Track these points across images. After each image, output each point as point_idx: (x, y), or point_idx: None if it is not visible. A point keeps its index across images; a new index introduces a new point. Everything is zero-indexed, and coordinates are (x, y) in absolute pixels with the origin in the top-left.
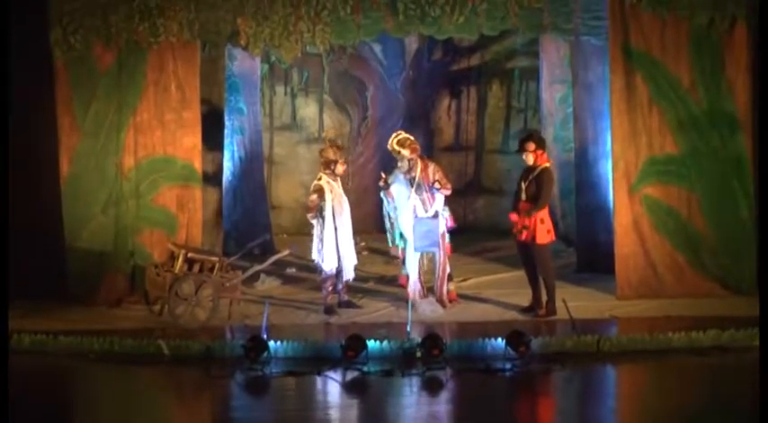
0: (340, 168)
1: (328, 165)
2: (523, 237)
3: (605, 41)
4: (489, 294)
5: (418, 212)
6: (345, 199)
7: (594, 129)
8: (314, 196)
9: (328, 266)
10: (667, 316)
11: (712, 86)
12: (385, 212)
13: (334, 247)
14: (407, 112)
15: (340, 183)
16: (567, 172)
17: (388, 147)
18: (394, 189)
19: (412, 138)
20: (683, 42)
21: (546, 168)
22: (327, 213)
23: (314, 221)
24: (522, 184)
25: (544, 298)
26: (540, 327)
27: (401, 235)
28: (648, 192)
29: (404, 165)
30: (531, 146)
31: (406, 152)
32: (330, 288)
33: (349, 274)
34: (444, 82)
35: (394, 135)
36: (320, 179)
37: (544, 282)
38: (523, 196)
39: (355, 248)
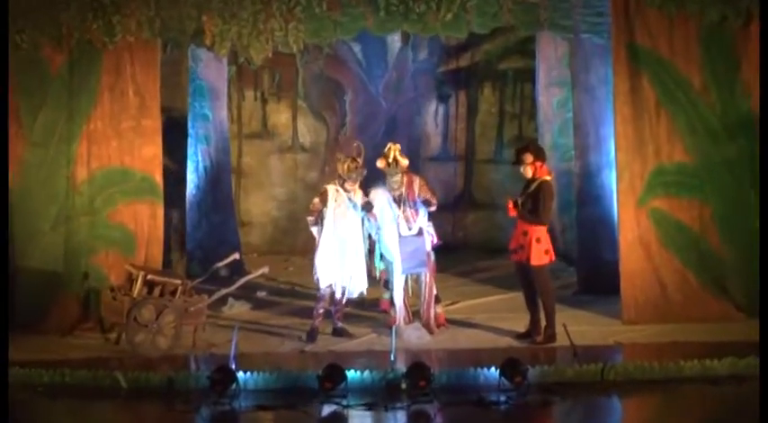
0: (348, 186)
1: (339, 176)
2: (519, 257)
3: (608, 40)
4: (481, 319)
5: (402, 231)
6: (354, 214)
7: (596, 136)
8: (316, 200)
9: (323, 282)
10: (678, 342)
11: (726, 88)
12: (364, 233)
13: (331, 262)
14: (390, 119)
15: (356, 195)
16: (566, 183)
17: (383, 161)
18: (376, 207)
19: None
20: (693, 40)
21: (545, 181)
22: (327, 222)
23: (314, 229)
24: (519, 199)
25: (543, 323)
26: (538, 354)
27: (381, 256)
28: (656, 205)
29: (398, 180)
30: (529, 157)
31: (404, 162)
32: (321, 310)
33: (340, 294)
34: (431, 85)
35: (391, 146)
36: (329, 184)
37: (543, 305)
38: (523, 215)
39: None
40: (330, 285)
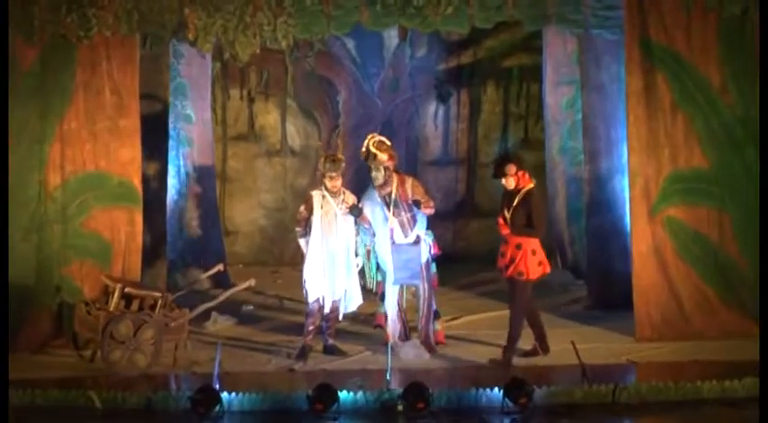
0: (328, 183)
1: (321, 178)
2: (508, 272)
3: (620, 35)
4: (484, 335)
5: (396, 238)
6: (343, 219)
7: (608, 138)
8: (301, 208)
9: (311, 296)
10: (695, 360)
11: (747, 88)
12: (359, 243)
13: (320, 274)
14: (386, 120)
15: (344, 199)
16: (575, 190)
17: (362, 150)
18: (367, 210)
19: (389, 142)
20: (711, 36)
21: (531, 189)
22: (315, 230)
23: (302, 241)
24: (506, 212)
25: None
26: (545, 374)
27: (378, 267)
28: (672, 213)
29: (378, 176)
30: (513, 168)
31: (383, 156)
32: (311, 326)
33: (330, 309)
34: (430, 84)
35: (369, 137)
36: (314, 189)
37: (512, 322)
38: (510, 228)
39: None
40: (318, 299)
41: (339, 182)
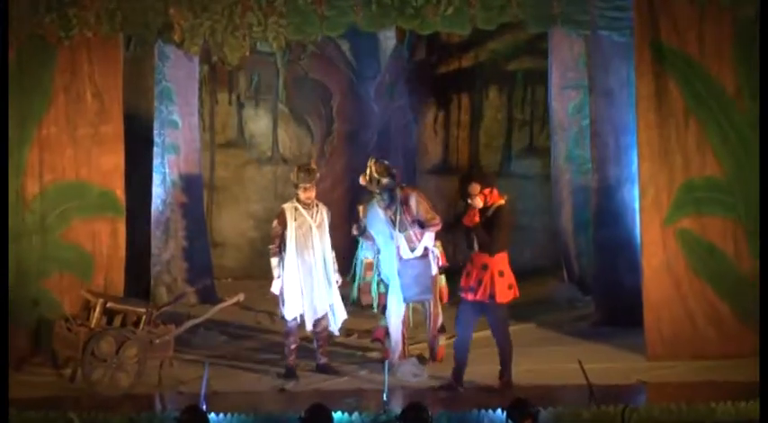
0: (302, 195)
1: (295, 189)
2: (477, 296)
3: (630, 37)
4: (486, 353)
5: (403, 254)
6: (318, 233)
7: (617, 146)
8: (274, 223)
9: (290, 315)
10: (709, 381)
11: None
12: (359, 258)
13: (297, 291)
14: (383, 127)
15: (319, 212)
16: (582, 200)
17: (364, 176)
18: (371, 226)
19: (388, 163)
20: (726, 38)
21: (501, 206)
22: (289, 246)
23: (274, 261)
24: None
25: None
26: (550, 394)
27: (381, 281)
28: (685, 225)
29: (382, 199)
30: (476, 187)
31: (385, 181)
32: (293, 346)
33: (318, 328)
34: (429, 88)
35: (370, 162)
36: (287, 203)
37: (500, 348)
38: (476, 246)
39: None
40: (296, 318)
41: (313, 193)
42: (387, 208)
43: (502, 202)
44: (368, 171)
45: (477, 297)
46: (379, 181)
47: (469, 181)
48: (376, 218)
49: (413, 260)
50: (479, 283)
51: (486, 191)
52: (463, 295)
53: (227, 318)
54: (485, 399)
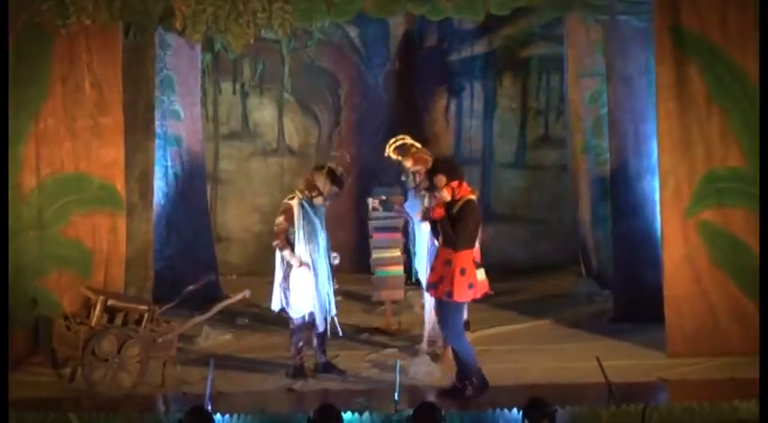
0: (317, 201)
1: (310, 187)
2: (438, 292)
3: (649, 22)
4: (500, 351)
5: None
6: (322, 232)
7: (636, 135)
8: (280, 218)
9: (298, 313)
10: (732, 378)
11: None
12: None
13: (306, 288)
14: (393, 115)
15: (321, 209)
16: (600, 191)
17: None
18: (410, 205)
19: (417, 144)
20: (749, 22)
21: (468, 201)
22: (298, 243)
23: (286, 253)
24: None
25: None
26: (568, 393)
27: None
28: (707, 217)
29: (409, 181)
30: (442, 179)
31: (407, 163)
32: (300, 344)
33: (322, 323)
34: (440, 76)
35: (392, 140)
36: (292, 198)
37: (453, 352)
38: (440, 240)
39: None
40: (304, 316)
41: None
42: (415, 190)
43: (472, 196)
44: (386, 150)
45: (438, 293)
46: (399, 162)
47: (435, 172)
48: (411, 201)
49: None
50: (441, 279)
51: (454, 183)
52: (428, 292)
53: (233, 315)
54: (500, 397)
